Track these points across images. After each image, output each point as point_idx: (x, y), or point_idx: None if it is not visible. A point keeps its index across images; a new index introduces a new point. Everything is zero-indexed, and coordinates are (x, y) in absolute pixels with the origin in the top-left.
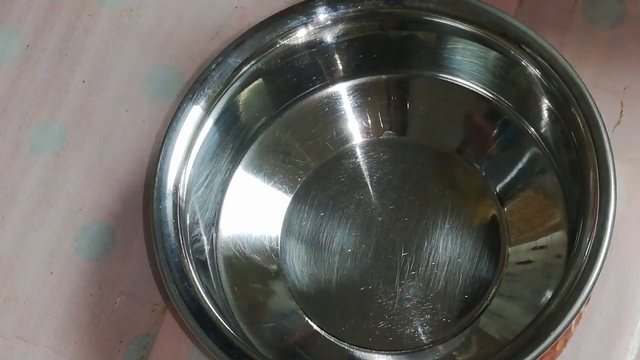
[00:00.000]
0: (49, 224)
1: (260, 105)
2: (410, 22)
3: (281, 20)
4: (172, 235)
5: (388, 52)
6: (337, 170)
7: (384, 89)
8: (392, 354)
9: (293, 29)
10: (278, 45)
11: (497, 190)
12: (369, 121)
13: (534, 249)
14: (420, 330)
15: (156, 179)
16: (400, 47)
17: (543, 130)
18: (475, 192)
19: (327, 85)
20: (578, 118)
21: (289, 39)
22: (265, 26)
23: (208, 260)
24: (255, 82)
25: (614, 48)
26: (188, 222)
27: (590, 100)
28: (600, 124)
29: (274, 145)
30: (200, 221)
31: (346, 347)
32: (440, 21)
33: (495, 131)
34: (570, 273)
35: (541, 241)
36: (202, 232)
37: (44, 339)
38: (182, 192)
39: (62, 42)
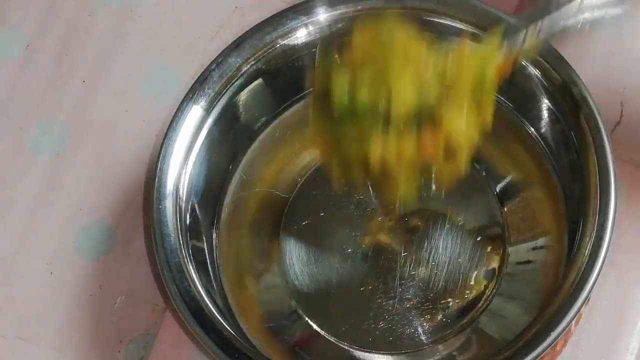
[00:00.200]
0: (49, 224)
1: (260, 105)
2: (410, 22)
3: (281, 20)
4: (172, 235)
5: None
6: None
7: None
8: (392, 354)
9: (293, 29)
10: (278, 45)
11: (497, 190)
12: None
13: (534, 249)
14: (420, 330)
15: (156, 179)
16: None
17: (543, 130)
18: (475, 192)
19: None
20: (578, 118)
21: (289, 39)
22: (265, 26)
23: (208, 260)
24: (255, 82)
25: (614, 48)
26: (188, 222)
27: (590, 100)
28: (600, 124)
29: (274, 145)
30: (200, 221)
31: (346, 347)
32: (440, 21)
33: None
34: (570, 273)
35: (541, 241)
36: (202, 232)
37: (44, 339)
38: (182, 192)
39: (62, 42)
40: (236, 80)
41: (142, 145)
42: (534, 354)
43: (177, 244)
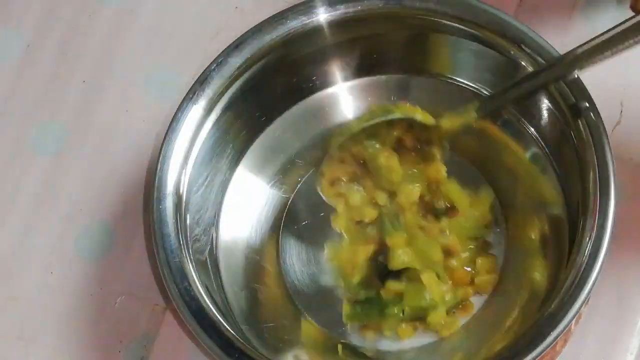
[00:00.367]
0: (49, 224)
1: (260, 105)
2: (410, 23)
3: (281, 20)
4: (172, 235)
5: (388, 52)
6: None
7: (384, 89)
8: (392, 353)
9: (293, 29)
10: (278, 46)
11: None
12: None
13: (534, 249)
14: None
15: (156, 179)
16: (400, 47)
17: (543, 130)
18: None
19: (327, 85)
20: (578, 118)
21: (289, 39)
22: (265, 26)
23: (208, 260)
24: (255, 82)
25: None
26: (188, 222)
27: (590, 100)
28: (600, 124)
29: (274, 145)
30: (200, 221)
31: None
32: (440, 21)
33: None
34: (570, 273)
35: (541, 241)
36: (202, 232)
37: (44, 339)
38: (182, 192)
39: (62, 42)
40: (236, 80)
41: (142, 145)
42: (534, 354)
43: (177, 244)
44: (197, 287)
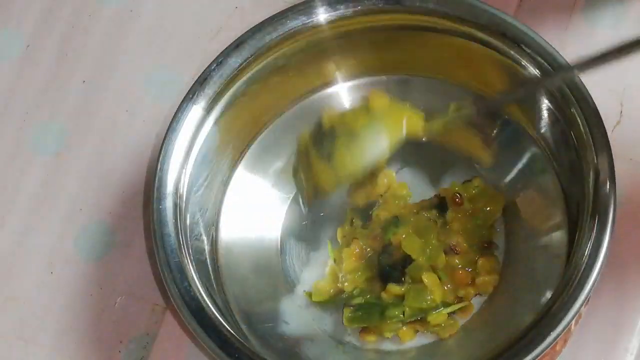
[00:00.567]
0: (49, 224)
1: (260, 105)
2: (409, 22)
3: (281, 20)
4: (172, 235)
5: (388, 52)
6: None
7: (384, 89)
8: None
9: (293, 29)
10: (278, 46)
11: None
12: None
13: (534, 249)
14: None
15: (156, 179)
16: (400, 47)
17: (543, 130)
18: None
19: (327, 85)
20: (578, 118)
21: (289, 39)
22: (265, 26)
23: (208, 260)
24: (256, 82)
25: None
26: (188, 222)
27: (590, 100)
28: (600, 124)
29: (274, 145)
30: (200, 221)
31: (347, 347)
32: (440, 21)
33: (495, 131)
34: (570, 273)
35: (541, 241)
36: (202, 232)
37: (44, 339)
38: (182, 192)
39: (62, 42)
40: (236, 80)
41: (142, 145)
42: (534, 354)
43: (177, 244)
44: (197, 287)
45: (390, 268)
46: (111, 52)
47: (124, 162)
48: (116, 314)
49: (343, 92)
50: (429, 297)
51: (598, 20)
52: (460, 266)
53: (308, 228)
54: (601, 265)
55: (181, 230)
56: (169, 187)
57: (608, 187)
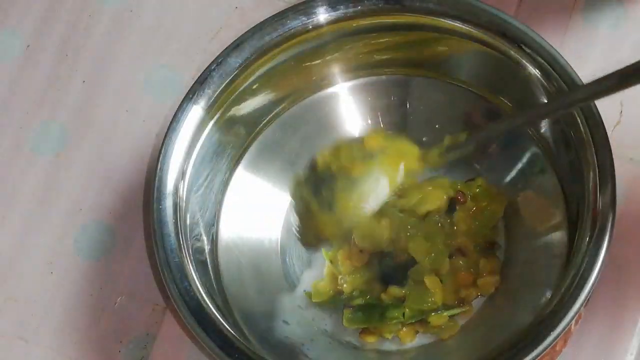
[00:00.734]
0: (49, 224)
1: (260, 105)
2: (409, 22)
3: (281, 20)
4: (172, 235)
5: (388, 52)
6: None
7: (384, 89)
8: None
9: (293, 29)
10: (278, 46)
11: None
12: (369, 121)
13: (534, 249)
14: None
15: (156, 179)
16: (400, 47)
17: (543, 130)
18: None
19: (327, 85)
20: (578, 118)
21: (289, 39)
22: (265, 26)
23: (208, 260)
24: (255, 83)
25: (614, 48)
26: (188, 222)
27: None
28: (600, 124)
29: (274, 145)
30: (200, 221)
31: (347, 347)
32: (440, 21)
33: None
34: (570, 273)
35: (541, 241)
36: (202, 232)
37: (44, 339)
38: (182, 192)
39: (62, 42)
40: (236, 80)
41: (142, 145)
42: (534, 353)
43: (177, 244)
44: (197, 287)
45: (391, 270)
46: (111, 52)
47: (124, 162)
48: (116, 314)
49: (343, 92)
50: (431, 299)
51: (598, 21)
52: (463, 267)
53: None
54: (601, 265)
55: (181, 230)
56: (169, 187)
57: (608, 187)
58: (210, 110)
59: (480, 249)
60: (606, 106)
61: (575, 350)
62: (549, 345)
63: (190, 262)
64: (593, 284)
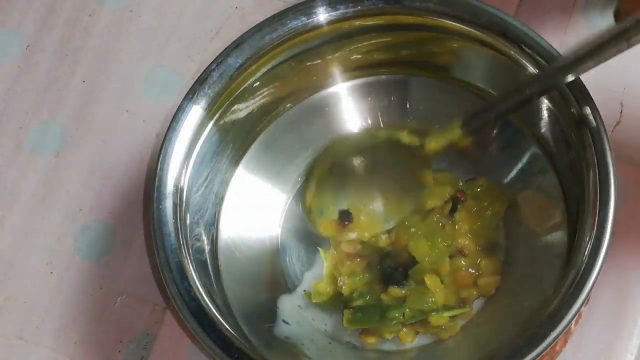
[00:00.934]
0: (49, 224)
1: (260, 105)
2: (409, 23)
3: (281, 20)
4: (172, 235)
5: (388, 52)
6: None
7: (384, 89)
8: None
9: (293, 29)
10: (278, 46)
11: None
12: (369, 121)
13: (534, 249)
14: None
15: (156, 179)
16: (400, 47)
17: (543, 130)
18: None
19: (327, 85)
20: (578, 118)
21: (289, 39)
22: (265, 26)
23: (208, 260)
24: (255, 82)
25: None
26: (188, 222)
27: (590, 100)
28: (600, 124)
29: (274, 145)
30: (200, 221)
31: (347, 347)
32: (440, 21)
33: (495, 131)
34: (570, 273)
35: (541, 241)
36: (202, 232)
37: (44, 339)
38: (182, 192)
39: (62, 42)
40: (236, 80)
41: (142, 145)
42: (533, 353)
43: (177, 244)
44: (197, 287)
45: (392, 269)
46: (111, 52)
47: (124, 162)
48: (116, 314)
49: (343, 92)
50: (431, 300)
51: (598, 21)
52: (464, 268)
53: (308, 228)
54: (601, 265)
55: (181, 230)
56: (169, 187)
57: (608, 187)
58: (210, 110)
59: (481, 249)
60: (606, 106)
61: (575, 350)
62: (549, 345)
63: (190, 262)
64: (593, 284)
